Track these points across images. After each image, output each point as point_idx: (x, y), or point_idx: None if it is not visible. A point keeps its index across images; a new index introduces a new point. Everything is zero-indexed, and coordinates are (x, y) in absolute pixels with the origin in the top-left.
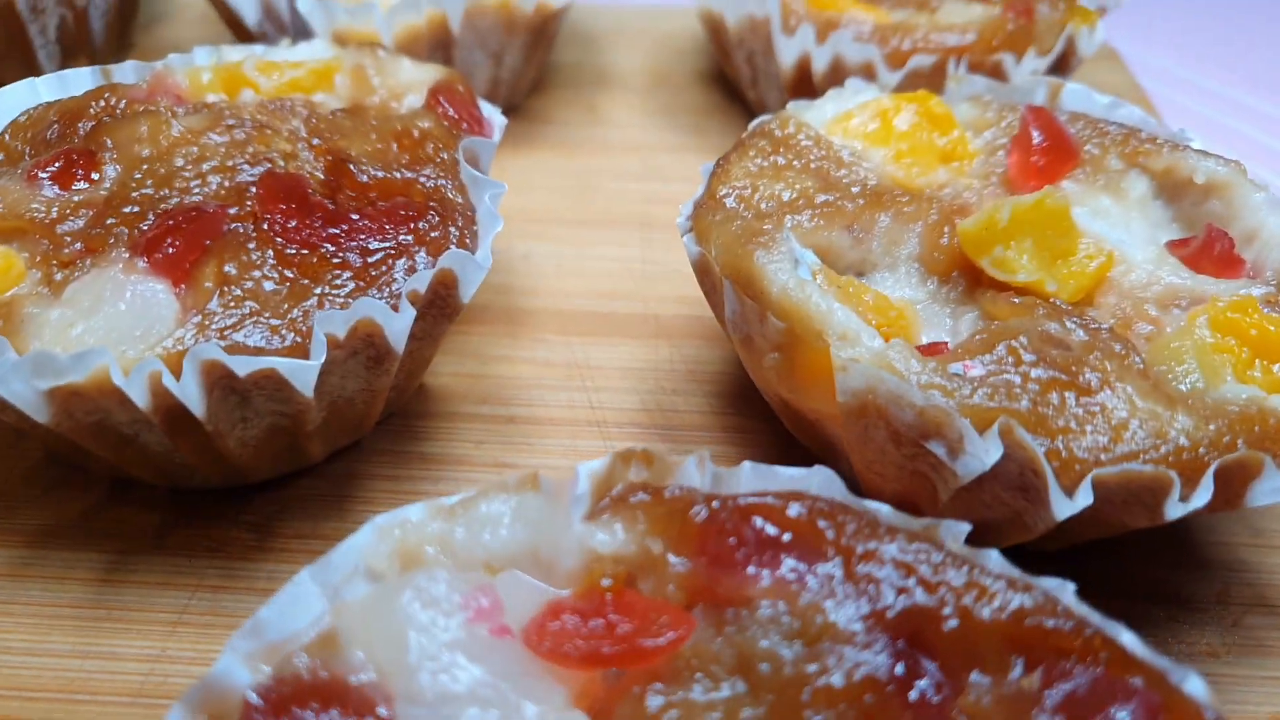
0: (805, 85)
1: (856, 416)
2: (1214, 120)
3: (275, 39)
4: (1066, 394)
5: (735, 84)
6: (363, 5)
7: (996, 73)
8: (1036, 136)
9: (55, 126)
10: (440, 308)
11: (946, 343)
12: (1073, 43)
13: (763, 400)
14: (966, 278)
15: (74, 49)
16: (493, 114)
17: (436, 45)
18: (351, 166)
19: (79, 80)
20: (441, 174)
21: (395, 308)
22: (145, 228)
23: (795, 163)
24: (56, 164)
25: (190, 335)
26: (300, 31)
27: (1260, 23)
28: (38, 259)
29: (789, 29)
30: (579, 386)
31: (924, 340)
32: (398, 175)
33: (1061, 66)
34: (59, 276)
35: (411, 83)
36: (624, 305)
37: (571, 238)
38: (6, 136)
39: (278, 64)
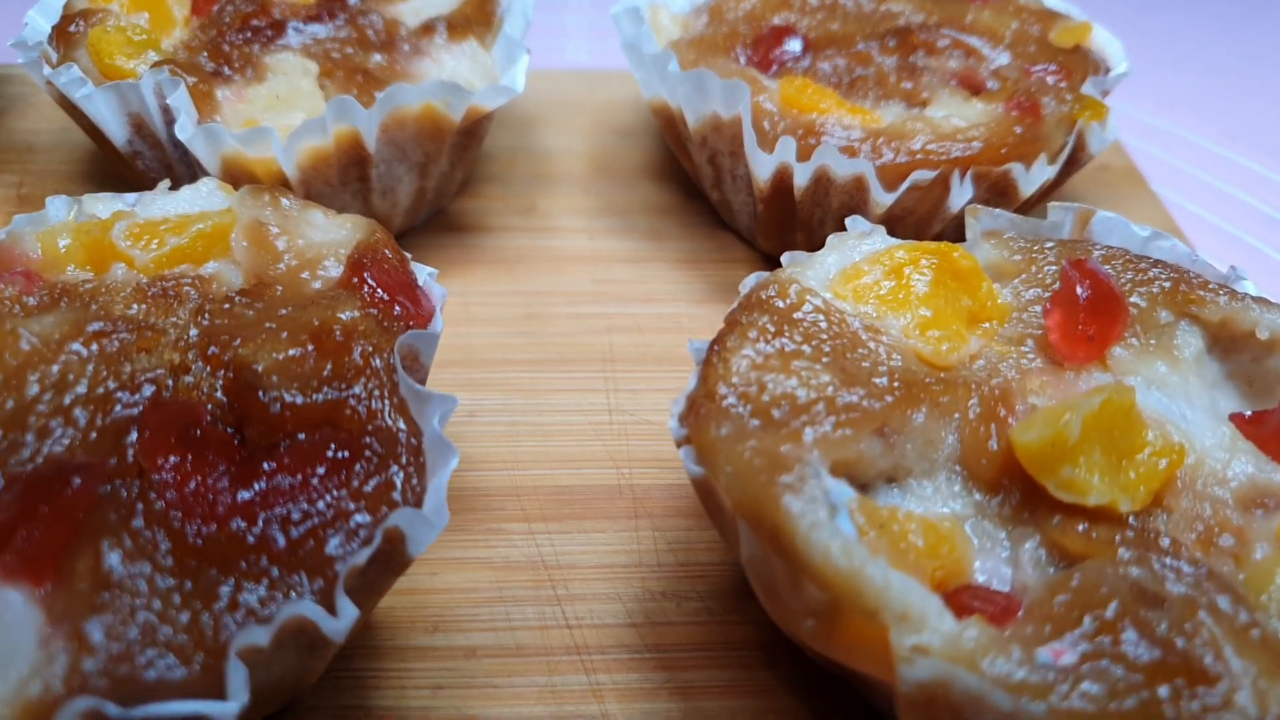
0: (783, 196)
1: (921, 708)
2: (1195, 177)
3: (151, 160)
4: (1179, 683)
5: (694, 179)
6: (257, 131)
7: (1005, 183)
8: (1082, 297)
9: None
10: (385, 563)
11: (1012, 598)
12: (1082, 139)
13: None
14: (1020, 488)
15: None
16: (430, 283)
17: (349, 164)
18: (260, 393)
19: None
20: (376, 388)
21: (331, 606)
22: None
23: (805, 348)
24: None
25: (61, 673)
26: (179, 148)
27: (1233, 67)
28: None
29: (766, 142)
30: (549, 595)
31: (979, 574)
32: (318, 398)
33: (1070, 164)
34: None
35: (326, 244)
36: (593, 474)
37: (524, 384)
38: None
39: (155, 227)
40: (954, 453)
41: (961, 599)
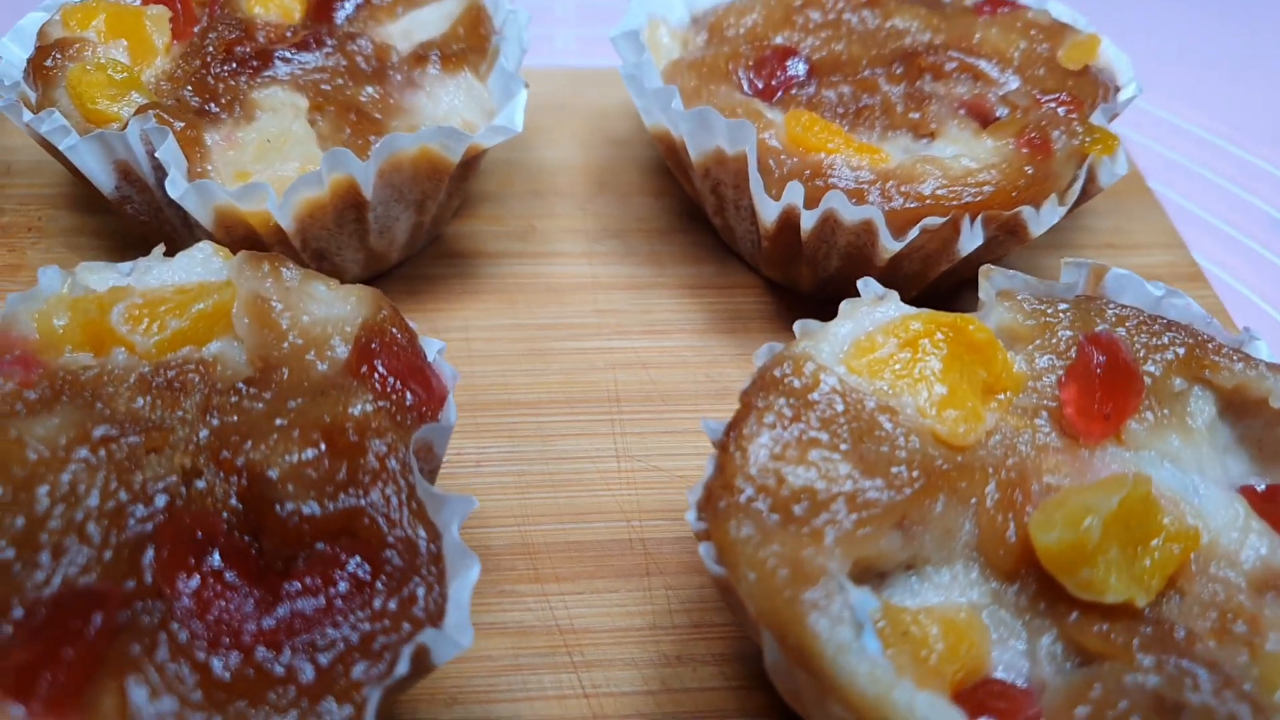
0: (788, 234)
1: None
2: (1195, 171)
3: (139, 205)
4: None
5: (695, 202)
6: (251, 187)
7: (1015, 223)
8: (1099, 374)
9: None
10: (410, 674)
11: (1031, 696)
12: (1093, 173)
13: None
14: (1036, 579)
15: None
16: (439, 361)
17: (345, 209)
18: (277, 506)
19: None
20: (393, 494)
21: None
22: (9, 631)
23: (823, 434)
24: None
25: None
26: (168, 193)
27: (1236, 55)
28: None
29: (772, 183)
30: (565, 662)
31: (996, 664)
32: (334, 506)
33: (1080, 198)
34: None
35: (331, 320)
36: (604, 527)
37: (530, 428)
38: None
39: (155, 308)
40: (971, 539)
41: (980, 696)
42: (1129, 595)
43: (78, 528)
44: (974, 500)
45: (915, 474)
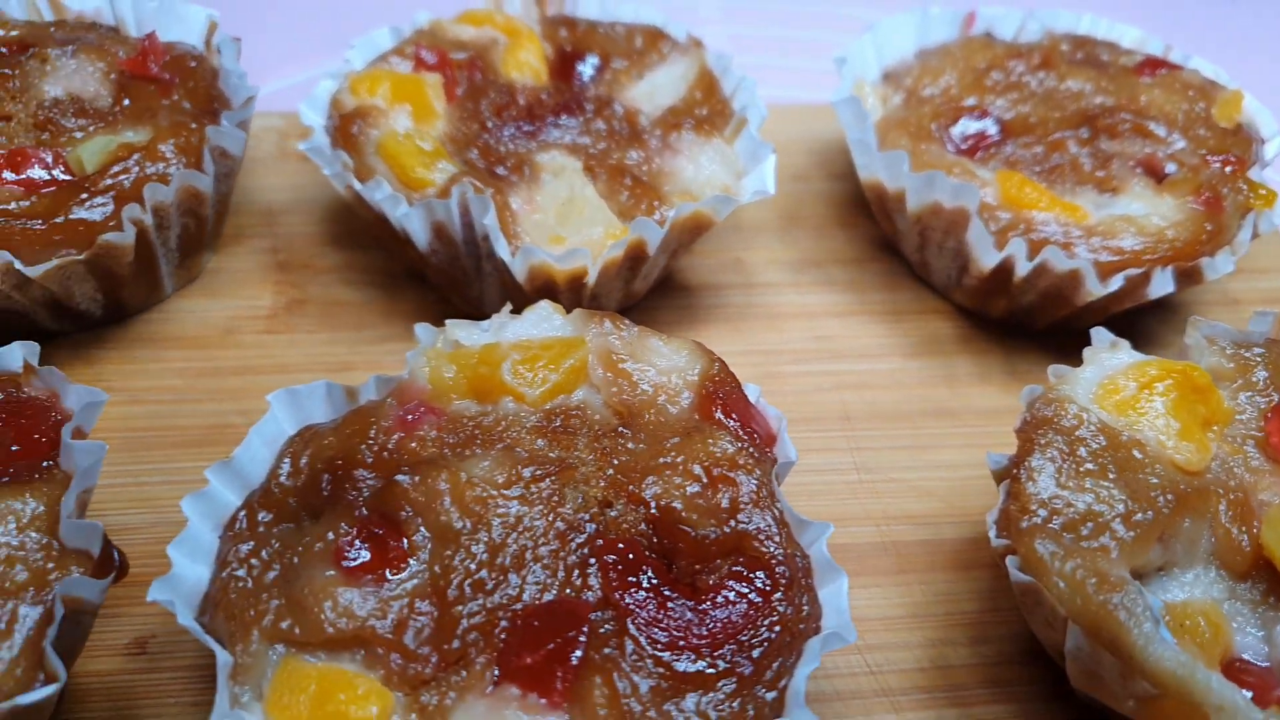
0: (1000, 275)
1: None
2: None
3: (443, 257)
4: None
5: (888, 237)
6: (573, 253)
7: (1194, 270)
8: None
9: (325, 478)
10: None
11: (1273, 671)
12: (1256, 226)
13: (1023, 639)
14: (1266, 578)
15: (192, 249)
16: (762, 403)
17: (626, 260)
18: (691, 531)
19: (313, 398)
20: (772, 519)
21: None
22: (503, 636)
23: (1093, 465)
24: (363, 545)
25: None
26: (470, 245)
27: None
28: (394, 680)
29: (997, 237)
30: (851, 646)
31: (1241, 649)
32: (728, 530)
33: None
34: (429, 699)
35: (672, 370)
36: (859, 532)
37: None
38: (275, 489)
39: (534, 363)
40: (1209, 548)
41: (1233, 672)
42: None
43: (533, 552)
44: (1209, 516)
45: (1169, 497)
